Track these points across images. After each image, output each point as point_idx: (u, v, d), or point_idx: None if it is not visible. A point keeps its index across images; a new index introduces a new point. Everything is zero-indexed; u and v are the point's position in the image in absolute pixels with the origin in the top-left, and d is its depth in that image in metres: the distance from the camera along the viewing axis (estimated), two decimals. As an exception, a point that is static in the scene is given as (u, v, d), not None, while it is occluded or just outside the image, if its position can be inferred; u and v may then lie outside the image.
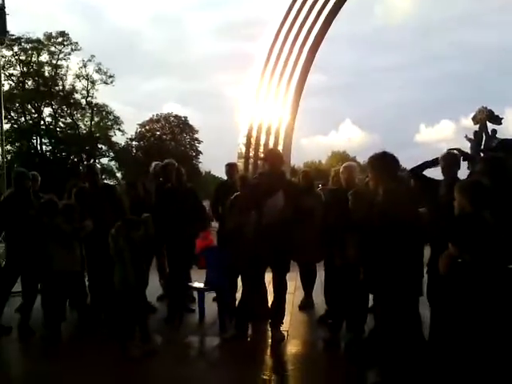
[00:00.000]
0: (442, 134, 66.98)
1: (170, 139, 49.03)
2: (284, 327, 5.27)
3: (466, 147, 21.70)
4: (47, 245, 5.23)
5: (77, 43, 40.53)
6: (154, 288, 6.53)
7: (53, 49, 40.65)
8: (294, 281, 6.99)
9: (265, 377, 4.12)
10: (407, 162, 6.55)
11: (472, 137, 21.67)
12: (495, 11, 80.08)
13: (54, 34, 40.08)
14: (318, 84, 78.21)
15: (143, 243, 4.86)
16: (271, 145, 40.36)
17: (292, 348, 4.88)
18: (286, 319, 5.65)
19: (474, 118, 22.51)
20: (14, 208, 5.47)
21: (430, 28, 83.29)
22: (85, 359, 4.56)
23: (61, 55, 40.93)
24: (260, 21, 67.33)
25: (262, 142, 40.95)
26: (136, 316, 4.79)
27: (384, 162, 3.87)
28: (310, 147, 72.15)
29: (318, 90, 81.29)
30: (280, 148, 39.94)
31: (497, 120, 22.16)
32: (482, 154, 15.49)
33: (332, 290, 5.40)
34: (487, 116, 22.00)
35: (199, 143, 49.12)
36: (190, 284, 6.15)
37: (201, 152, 49.16)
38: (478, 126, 21.98)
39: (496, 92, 67.17)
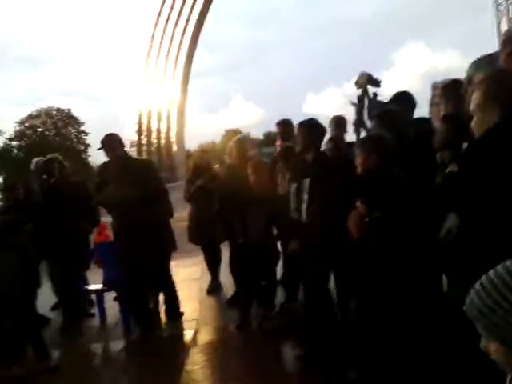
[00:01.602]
0: (328, 102, 70.03)
1: (53, 134, 45.94)
2: (193, 316, 5.02)
3: (352, 112, 22.78)
4: None
5: None
6: (46, 297, 5.94)
7: None
8: (199, 266, 6.75)
9: (180, 372, 3.84)
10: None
11: (356, 101, 22.75)
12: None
13: None
14: (205, 63, 77.69)
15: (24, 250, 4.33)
16: (163, 130, 39.55)
17: (204, 336, 4.63)
18: (195, 306, 5.40)
19: (356, 83, 23.56)
20: None
21: (310, 4, 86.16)
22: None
23: None
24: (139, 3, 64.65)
25: (154, 128, 39.97)
26: (24, 332, 4.25)
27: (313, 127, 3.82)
28: (204, 128, 71.86)
29: (206, 69, 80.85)
30: (173, 132, 39.31)
31: (376, 83, 23.42)
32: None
33: (238, 269, 5.24)
34: (367, 80, 23.15)
35: (86, 135, 46.59)
36: (86, 287, 5.63)
37: (89, 145, 46.69)
38: (360, 90, 23.12)
39: (372, 58, 71.37)
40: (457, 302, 1.26)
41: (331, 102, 71.96)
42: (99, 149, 5.07)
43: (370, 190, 3.03)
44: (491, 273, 1.04)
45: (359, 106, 20.59)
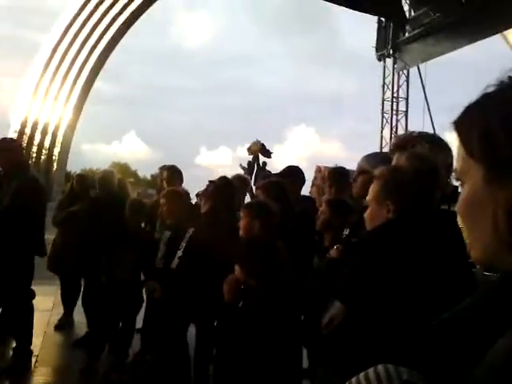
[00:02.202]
0: (220, 160, 71.54)
1: None
2: (34, 352, 4.51)
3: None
4: None
5: None
6: None
7: None
8: (52, 296, 6.19)
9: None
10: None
11: (246, 165, 23.48)
12: (273, 57, 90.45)
13: None
14: (107, 92, 75.74)
15: None
16: (47, 146, 37.09)
17: (40, 378, 4.13)
18: (38, 342, 4.88)
19: (248, 149, 24.41)
20: None
21: (221, 61, 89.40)
22: None
23: None
24: (48, 12, 61.96)
25: (37, 141, 37.33)
26: None
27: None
28: (91, 155, 68.92)
29: (106, 97, 78.67)
30: (56, 151, 37.00)
31: (267, 153, 24.47)
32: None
33: (93, 309, 4.89)
34: (260, 149, 24.13)
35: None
36: None
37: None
38: (251, 156, 23.98)
39: (269, 128, 75.15)
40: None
41: (223, 160, 73.73)
42: None
43: (249, 256, 2.99)
44: (361, 375, 0.96)
45: (248, 171, 21.46)
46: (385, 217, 2.16)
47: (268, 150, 26.25)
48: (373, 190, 2.23)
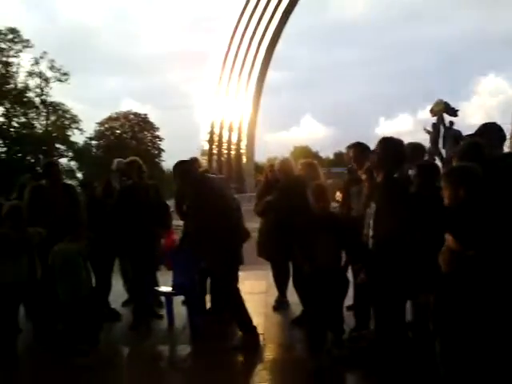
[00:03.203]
0: (401, 127, 68.42)
1: (130, 137, 48.01)
2: (259, 330, 4.97)
3: (426, 139, 22.14)
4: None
5: (28, 40, 38.91)
6: (118, 293, 6.14)
7: (3, 45, 38.85)
8: (266, 280, 6.71)
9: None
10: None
11: (430, 129, 22.12)
12: (447, 6, 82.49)
13: (3, 31, 38.30)
14: (278, 80, 78.43)
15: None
16: (234, 141, 40.22)
17: (270, 353, 4.54)
18: (260, 321, 5.36)
19: (431, 111, 22.96)
20: None
21: (384, 25, 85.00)
22: (42, 372, 4.17)
23: (11, 52, 39.18)
24: (217, 16, 66.65)
25: (225, 138, 40.73)
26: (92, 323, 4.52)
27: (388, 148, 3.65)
28: (273, 143, 72.33)
29: (279, 85, 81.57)
30: (243, 144, 39.87)
31: (453, 112, 22.66)
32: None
33: (303, 291, 5.16)
34: (444, 108, 22.50)
35: (161, 141, 48.32)
36: (156, 288, 5.74)
37: (163, 150, 48.34)
38: (435, 118, 22.45)
39: (450, 85, 69.05)
40: None
41: (404, 126, 70.34)
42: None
43: (461, 224, 2.85)
44: None
45: (434, 134, 20.20)
46: None
47: (453, 108, 24.45)
48: None
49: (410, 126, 68.19)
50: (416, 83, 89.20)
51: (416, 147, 4.76)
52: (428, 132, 22.34)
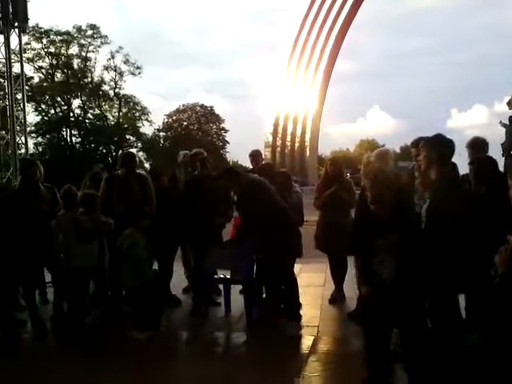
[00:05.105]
0: (474, 120, 65.22)
1: (196, 129, 49.13)
2: (314, 322, 5.01)
3: (501, 133, 20.96)
4: (67, 239, 5.08)
5: (106, 36, 40.79)
6: (179, 280, 6.38)
7: (83, 41, 40.97)
8: (323, 273, 6.72)
9: (296, 378, 3.85)
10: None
11: (507, 122, 20.88)
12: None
13: (83, 27, 40.37)
14: (346, 70, 77.14)
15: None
16: (298, 134, 40.07)
17: (324, 345, 4.59)
18: (316, 313, 5.39)
19: (509, 103, 21.62)
20: (21, 202, 5.15)
21: (460, 11, 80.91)
22: (107, 356, 4.41)
23: (90, 47, 41.24)
24: (283, 7, 66.40)
25: (289, 131, 40.66)
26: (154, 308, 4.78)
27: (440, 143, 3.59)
28: (338, 135, 71.58)
29: (346, 76, 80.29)
30: (307, 137, 39.64)
31: (533, 105, 21.25)
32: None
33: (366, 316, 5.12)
34: (523, 100, 21.14)
35: (226, 132, 49.06)
36: (215, 276, 5.92)
37: (228, 141, 49.09)
38: (512, 111, 21.17)
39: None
40: None
41: (479, 119, 66.99)
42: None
43: None
44: None
45: (510, 128, 19.04)
46: None
47: (534, 101, 22.90)
48: None
49: (484, 119, 64.91)
50: (494, 73, 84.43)
51: (476, 142, 4.62)
52: (504, 125, 21.08)
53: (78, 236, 5.01)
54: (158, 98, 73.18)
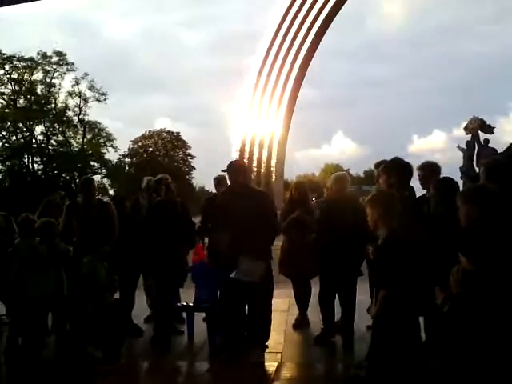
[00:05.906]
0: (434, 145, 67.49)
1: (162, 155, 48.85)
2: (278, 348, 4.96)
3: (459, 157, 21.68)
4: (21, 268, 4.91)
5: (73, 64, 40.36)
6: (141, 309, 6.24)
7: (47, 67, 40.41)
8: (287, 298, 6.70)
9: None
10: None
11: (464, 146, 21.66)
12: (487, 21, 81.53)
13: (49, 54, 39.88)
14: (310, 97, 78.82)
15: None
16: (264, 159, 40.41)
17: (287, 371, 4.53)
18: (280, 339, 5.35)
19: (466, 128, 22.49)
20: None
21: (421, 40, 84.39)
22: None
23: (55, 74, 40.70)
24: (251, 36, 67.88)
25: (255, 156, 40.95)
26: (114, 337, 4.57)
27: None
28: (303, 160, 72.44)
29: (310, 103, 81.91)
30: (273, 162, 39.97)
31: (489, 129, 22.15)
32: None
33: (329, 308, 5.17)
34: (479, 125, 22.00)
35: (192, 158, 48.94)
36: (178, 304, 5.81)
37: (194, 167, 48.94)
38: (470, 135, 22.00)
39: (487, 101, 67.82)
40: None
41: (437, 144, 69.34)
42: (223, 170, 5.31)
43: (470, 243, 2.82)
44: None
45: (468, 152, 19.83)
46: None
47: (489, 126, 23.90)
48: None
49: (443, 144, 67.13)
50: (451, 99, 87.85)
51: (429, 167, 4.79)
52: (461, 150, 21.87)
53: (35, 264, 4.87)
54: (123, 124, 72.63)
